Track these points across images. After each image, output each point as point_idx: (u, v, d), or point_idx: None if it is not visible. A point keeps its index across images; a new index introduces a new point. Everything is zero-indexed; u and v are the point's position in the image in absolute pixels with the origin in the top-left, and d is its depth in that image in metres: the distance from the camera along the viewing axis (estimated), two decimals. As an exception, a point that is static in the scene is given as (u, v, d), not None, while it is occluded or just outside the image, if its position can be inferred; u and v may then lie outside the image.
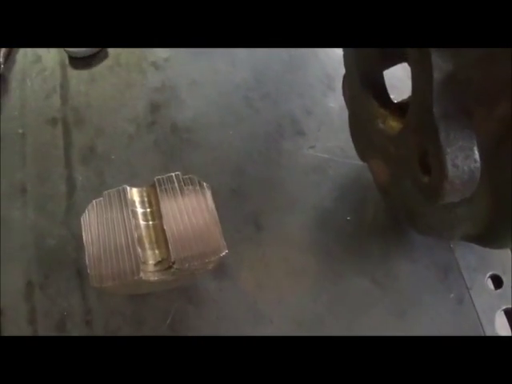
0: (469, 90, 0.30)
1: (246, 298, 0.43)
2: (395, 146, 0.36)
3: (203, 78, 0.51)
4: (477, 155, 0.31)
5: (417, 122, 0.33)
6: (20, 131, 0.49)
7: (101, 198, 0.39)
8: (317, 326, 0.43)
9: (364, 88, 0.38)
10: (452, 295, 0.44)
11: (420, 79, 0.31)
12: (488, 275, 0.45)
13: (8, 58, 0.51)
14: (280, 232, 0.45)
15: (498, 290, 0.45)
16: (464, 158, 0.31)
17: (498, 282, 0.45)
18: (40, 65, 0.51)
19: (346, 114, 0.43)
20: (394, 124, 0.36)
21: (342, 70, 0.41)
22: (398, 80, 0.43)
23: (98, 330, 0.41)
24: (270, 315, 0.43)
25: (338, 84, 0.42)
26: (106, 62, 0.51)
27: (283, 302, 0.43)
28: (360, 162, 0.44)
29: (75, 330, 0.41)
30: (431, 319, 0.43)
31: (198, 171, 0.44)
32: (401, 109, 0.36)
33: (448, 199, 0.32)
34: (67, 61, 0.51)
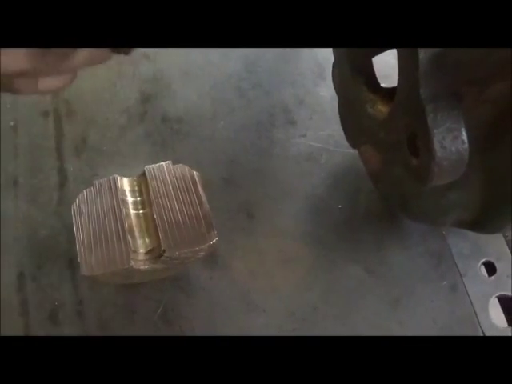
0: (458, 72, 0.30)
1: (239, 287, 0.42)
2: (384, 130, 0.36)
3: (195, 68, 0.51)
4: (465, 136, 0.31)
5: (404, 105, 0.32)
6: (12, 124, 0.49)
7: (91, 188, 0.39)
8: (310, 314, 0.42)
9: (353, 74, 0.38)
10: (445, 282, 0.44)
11: (406, 60, 0.31)
12: (481, 262, 0.45)
13: None
14: (272, 221, 0.45)
15: (492, 277, 0.45)
16: (452, 140, 0.30)
17: (491, 268, 0.45)
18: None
19: (337, 102, 0.43)
20: (383, 108, 0.36)
21: (333, 60, 0.41)
22: (391, 68, 0.42)
23: (90, 321, 0.41)
24: (262, 304, 0.42)
25: (329, 73, 0.42)
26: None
27: (276, 291, 0.43)
28: (352, 151, 0.44)
29: (67, 320, 0.41)
30: (425, 307, 0.43)
31: (189, 161, 0.44)
32: (390, 94, 0.36)
33: (437, 181, 0.32)
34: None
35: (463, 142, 0.31)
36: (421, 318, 0.43)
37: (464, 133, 0.31)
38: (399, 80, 0.32)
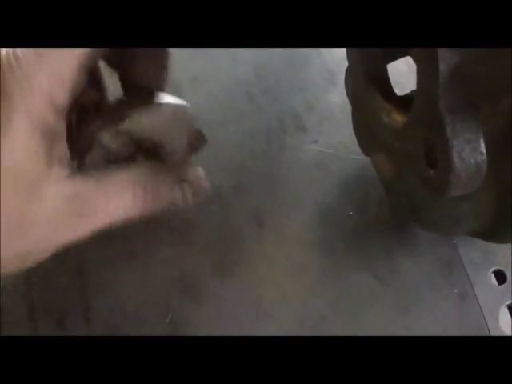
0: (475, 84, 0.30)
1: (248, 295, 0.42)
2: (400, 140, 0.36)
3: (204, 74, 0.50)
4: (483, 148, 0.30)
5: (422, 115, 0.32)
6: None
7: None
8: (319, 322, 0.42)
9: (367, 82, 0.38)
10: (455, 291, 0.44)
11: (425, 72, 0.31)
12: (491, 271, 0.45)
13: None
14: (282, 228, 0.45)
15: (502, 286, 0.45)
16: (470, 151, 0.30)
17: (501, 277, 0.45)
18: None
19: (348, 109, 0.43)
20: (398, 118, 0.36)
21: (344, 65, 0.40)
22: (401, 75, 0.42)
23: (98, 328, 0.41)
24: (272, 312, 0.42)
25: (341, 79, 0.42)
26: (105, 59, 0.50)
27: (285, 299, 0.43)
28: (363, 158, 0.43)
29: (75, 327, 0.41)
30: (434, 315, 0.43)
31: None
32: (405, 102, 0.36)
33: (454, 193, 0.32)
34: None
35: (482, 153, 0.31)
36: (430, 326, 0.43)
37: (482, 144, 0.30)
38: (417, 91, 0.32)
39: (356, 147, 0.43)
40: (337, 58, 0.51)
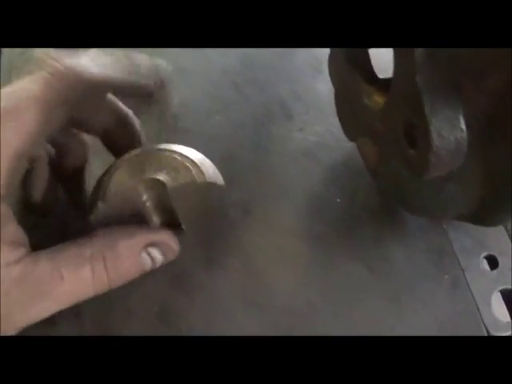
0: (455, 63, 0.29)
1: (236, 284, 0.42)
2: (381, 121, 0.35)
3: (191, 64, 0.50)
4: (463, 125, 0.30)
5: (400, 94, 0.32)
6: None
7: None
8: (308, 312, 0.42)
9: (349, 65, 0.38)
10: (446, 277, 0.43)
11: (402, 51, 0.31)
12: (483, 256, 0.44)
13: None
14: (270, 218, 0.44)
15: (494, 271, 0.44)
16: (450, 128, 0.30)
17: (493, 262, 0.44)
18: (27, 55, 0.51)
19: (334, 96, 0.42)
20: (379, 99, 0.36)
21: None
22: (386, 62, 0.42)
23: (87, 321, 0.41)
24: (260, 302, 0.42)
25: (326, 67, 0.41)
26: (93, 51, 0.50)
27: (274, 289, 0.42)
28: (350, 145, 0.43)
29: (64, 320, 0.40)
30: (426, 302, 0.43)
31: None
32: (386, 85, 0.35)
33: (435, 172, 0.31)
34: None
35: (461, 130, 0.30)
36: (422, 313, 0.42)
37: (462, 121, 0.30)
38: (395, 70, 0.32)
39: (342, 135, 0.43)
40: (323, 46, 0.51)
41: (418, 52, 0.29)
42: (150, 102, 0.40)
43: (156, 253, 0.36)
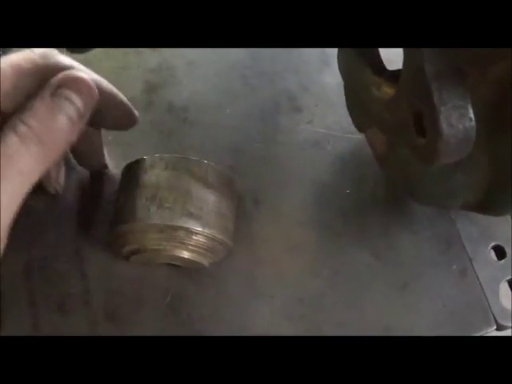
0: (461, 52, 0.30)
1: (245, 274, 0.42)
2: (390, 111, 0.36)
3: (199, 58, 0.50)
4: (471, 113, 0.30)
5: (409, 84, 0.32)
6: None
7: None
8: (318, 300, 0.42)
9: (358, 56, 0.38)
10: (454, 267, 0.44)
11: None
12: (490, 246, 0.45)
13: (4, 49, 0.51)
14: (279, 208, 0.45)
15: (501, 261, 0.45)
16: (458, 117, 0.30)
17: (500, 252, 0.45)
18: (36, 51, 0.51)
19: (342, 89, 0.43)
20: (388, 90, 0.36)
21: (338, 46, 0.41)
22: (394, 54, 0.42)
23: (98, 310, 0.41)
24: (269, 291, 0.42)
25: (334, 60, 0.42)
26: (102, 46, 0.50)
27: (283, 278, 0.43)
28: (358, 136, 0.44)
29: (74, 310, 0.41)
30: (434, 291, 0.43)
31: (195, 150, 0.45)
32: (395, 75, 0.36)
33: (444, 160, 0.32)
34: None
35: (470, 119, 0.31)
36: (430, 302, 0.43)
37: (471, 110, 0.30)
38: (404, 60, 0.32)
39: (351, 126, 0.43)
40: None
41: (427, 42, 0.29)
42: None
43: (69, 93, 0.34)
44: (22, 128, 0.32)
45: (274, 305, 0.42)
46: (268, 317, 0.42)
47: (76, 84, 0.34)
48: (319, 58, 0.51)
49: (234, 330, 0.41)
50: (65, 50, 0.44)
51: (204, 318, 0.41)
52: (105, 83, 0.38)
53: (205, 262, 0.40)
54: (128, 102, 0.39)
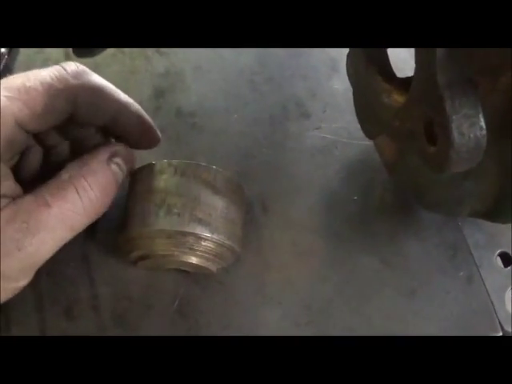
0: (472, 61, 0.30)
1: (254, 280, 0.42)
2: (400, 119, 0.36)
3: (207, 63, 0.50)
4: (482, 122, 0.30)
5: (421, 93, 0.32)
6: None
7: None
8: (325, 306, 0.42)
9: (368, 64, 0.38)
10: (461, 273, 0.44)
11: (423, 49, 0.31)
12: (497, 253, 0.45)
13: (12, 48, 0.51)
14: (287, 214, 0.45)
15: (508, 268, 0.45)
16: (470, 126, 0.30)
17: (507, 259, 0.45)
18: (44, 55, 0.51)
19: (351, 95, 0.43)
20: (398, 98, 0.36)
21: (346, 52, 0.41)
22: (402, 61, 0.42)
23: (106, 316, 0.41)
24: (277, 297, 0.42)
25: (342, 66, 0.42)
26: (110, 50, 0.50)
27: (291, 284, 0.43)
28: (366, 142, 0.44)
29: (82, 315, 0.41)
30: (441, 298, 0.43)
31: (204, 155, 0.45)
32: (405, 83, 0.36)
33: (455, 168, 0.32)
34: (71, 50, 0.51)
35: (481, 128, 0.31)
36: (437, 308, 0.43)
37: (482, 119, 0.31)
38: (416, 68, 0.32)
39: (359, 133, 0.43)
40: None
41: (440, 51, 0.29)
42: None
43: (120, 161, 0.37)
44: (83, 184, 0.34)
45: (282, 311, 0.42)
46: (276, 323, 0.42)
47: (127, 156, 0.38)
48: (327, 64, 0.51)
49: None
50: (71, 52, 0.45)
51: (211, 323, 0.41)
52: (134, 106, 0.39)
53: (213, 267, 0.40)
54: (152, 123, 0.41)
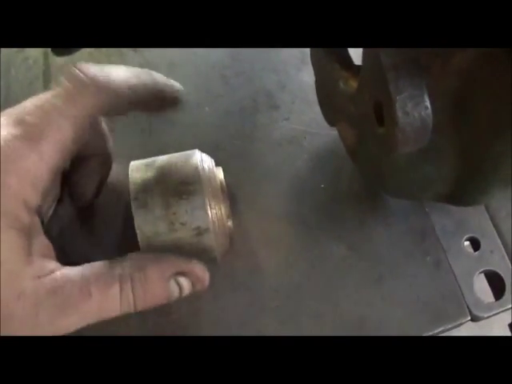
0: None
1: (223, 266, 0.43)
2: (355, 104, 0.37)
3: (181, 59, 0.52)
4: (427, 102, 0.31)
5: (369, 75, 0.33)
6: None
7: None
8: (293, 292, 0.43)
9: (327, 53, 0.39)
10: (429, 258, 0.44)
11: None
12: (465, 238, 0.45)
13: (-8, 48, 0.53)
14: (256, 202, 0.46)
15: (476, 253, 0.45)
16: (414, 105, 0.31)
17: (475, 244, 0.45)
18: (24, 54, 0.53)
19: (318, 86, 0.44)
20: (354, 84, 0.37)
21: (315, 46, 0.42)
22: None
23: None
24: (247, 283, 0.43)
25: (311, 59, 0.43)
26: (87, 49, 0.52)
27: (260, 270, 0.44)
28: (334, 132, 0.44)
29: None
30: (408, 283, 0.44)
31: (176, 148, 0.45)
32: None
33: (403, 148, 0.32)
34: (50, 49, 0.52)
35: (426, 107, 0.31)
36: (404, 293, 0.43)
37: (426, 98, 0.31)
38: (363, 52, 0.33)
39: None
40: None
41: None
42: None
43: (185, 282, 0.36)
44: (127, 289, 0.34)
45: (251, 296, 0.43)
46: (245, 308, 0.42)
47: (196, 279, 0.37)
48: (297, 57, 0.52)
49: (211, 322, 0.42)
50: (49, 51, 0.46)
51: (181, 310, 0.42)
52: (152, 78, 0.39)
53: None
54: (169, 85, 0.40)
